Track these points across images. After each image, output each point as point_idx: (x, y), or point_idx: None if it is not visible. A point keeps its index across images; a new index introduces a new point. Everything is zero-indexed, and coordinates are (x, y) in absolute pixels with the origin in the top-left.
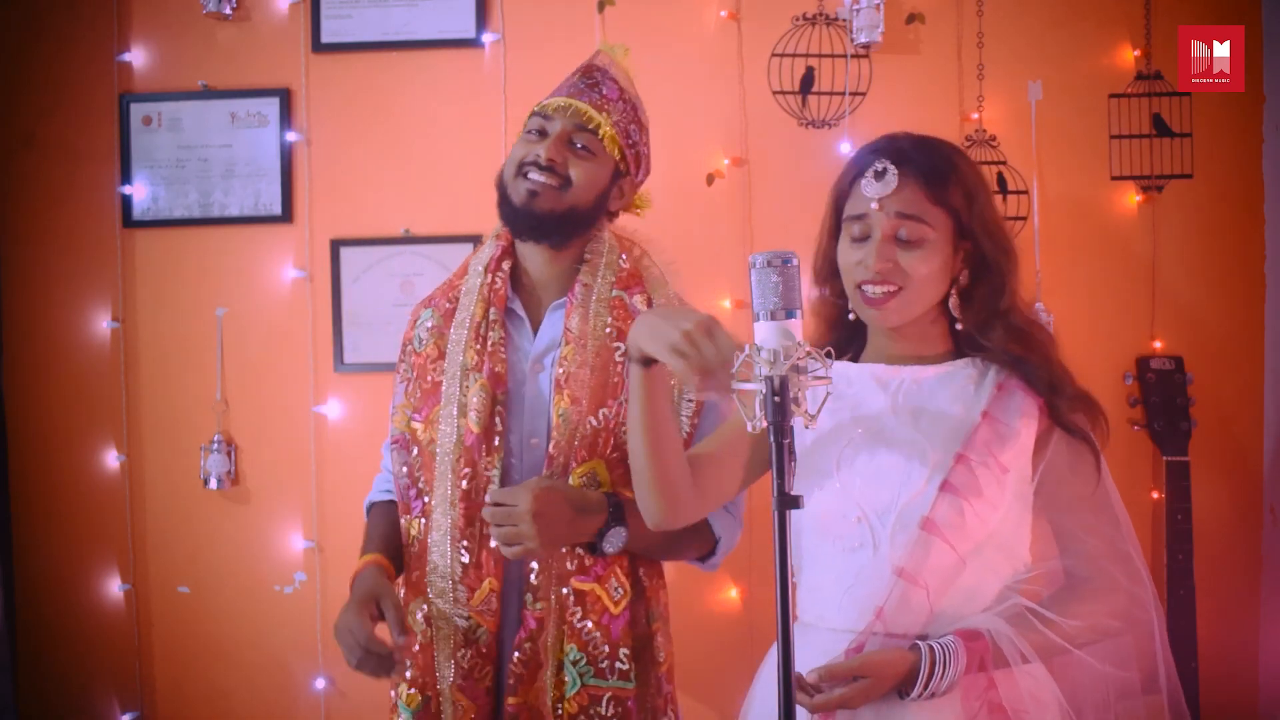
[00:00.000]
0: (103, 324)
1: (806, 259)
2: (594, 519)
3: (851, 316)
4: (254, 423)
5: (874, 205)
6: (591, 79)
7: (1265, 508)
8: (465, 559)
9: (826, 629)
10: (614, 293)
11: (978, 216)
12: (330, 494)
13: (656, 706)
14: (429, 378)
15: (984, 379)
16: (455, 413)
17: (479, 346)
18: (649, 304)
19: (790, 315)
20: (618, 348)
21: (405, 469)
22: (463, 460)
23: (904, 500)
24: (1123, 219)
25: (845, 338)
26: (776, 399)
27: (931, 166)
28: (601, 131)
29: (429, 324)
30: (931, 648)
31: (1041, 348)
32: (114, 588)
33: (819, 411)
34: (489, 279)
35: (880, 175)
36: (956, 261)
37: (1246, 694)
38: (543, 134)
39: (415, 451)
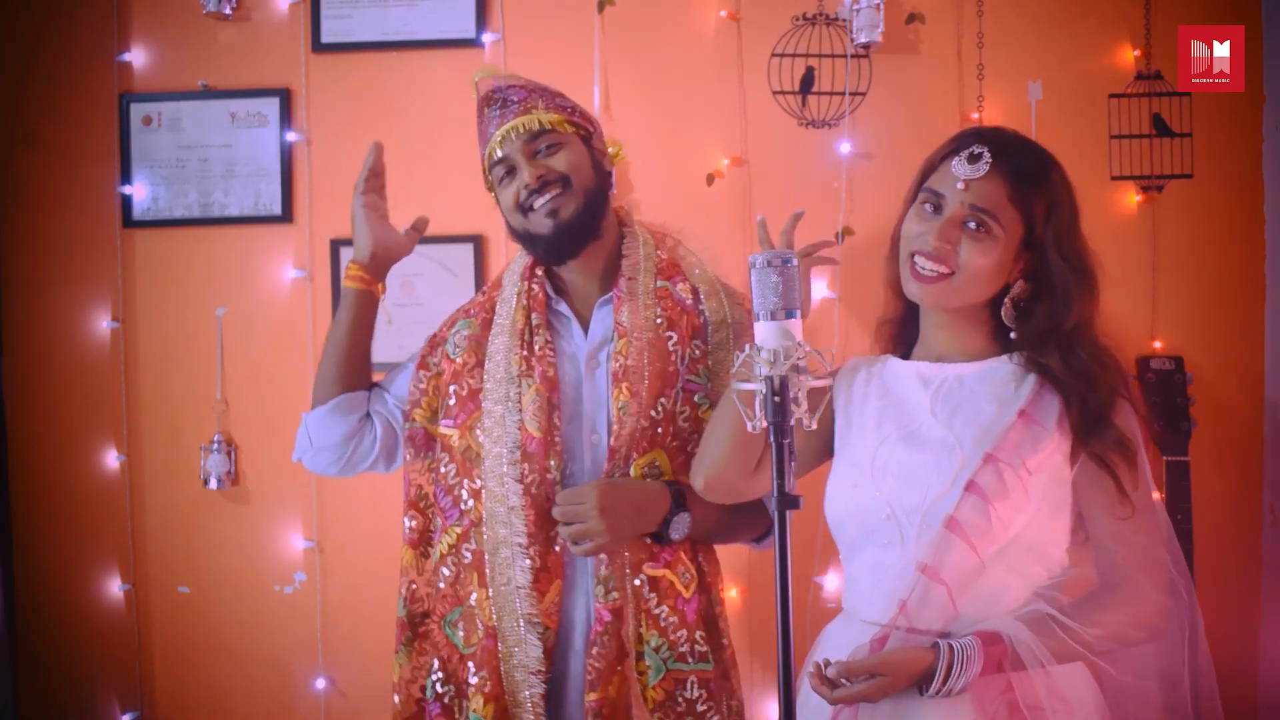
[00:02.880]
0: (103, 324)
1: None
2: (658, 508)
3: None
4: (254, 423)
5: (959, 185)
6: (498, 101)
7: (1265, 508)
8: (531, 564)
9: (860, 620)
10: (658, 283)
11: (1054, 230)
12: (330, 494)
13: (730, 688)
14: (465, 384)
15: (1026, 376)
16: (504, 420)
17: (525, 353)
18: (693, 292)
19: (790, 315)
20: (670, 337)
21: (432, 474)
22: (526, 466)
23: (930, 499)
24: (1123, 219)
25: (909, 315)
26: (776, 399)
27: (1026, 167)
28: (546, 122)
29: (465, 332)
30: (950, 647)
31: (1095, 383)
32: (114, 588)
33: (819, 411)
34: (525, 286)
35: (975, 159)
36: (1015, 269)
37: (1246, 694)
38: (512, 170)
39: (447, 458)
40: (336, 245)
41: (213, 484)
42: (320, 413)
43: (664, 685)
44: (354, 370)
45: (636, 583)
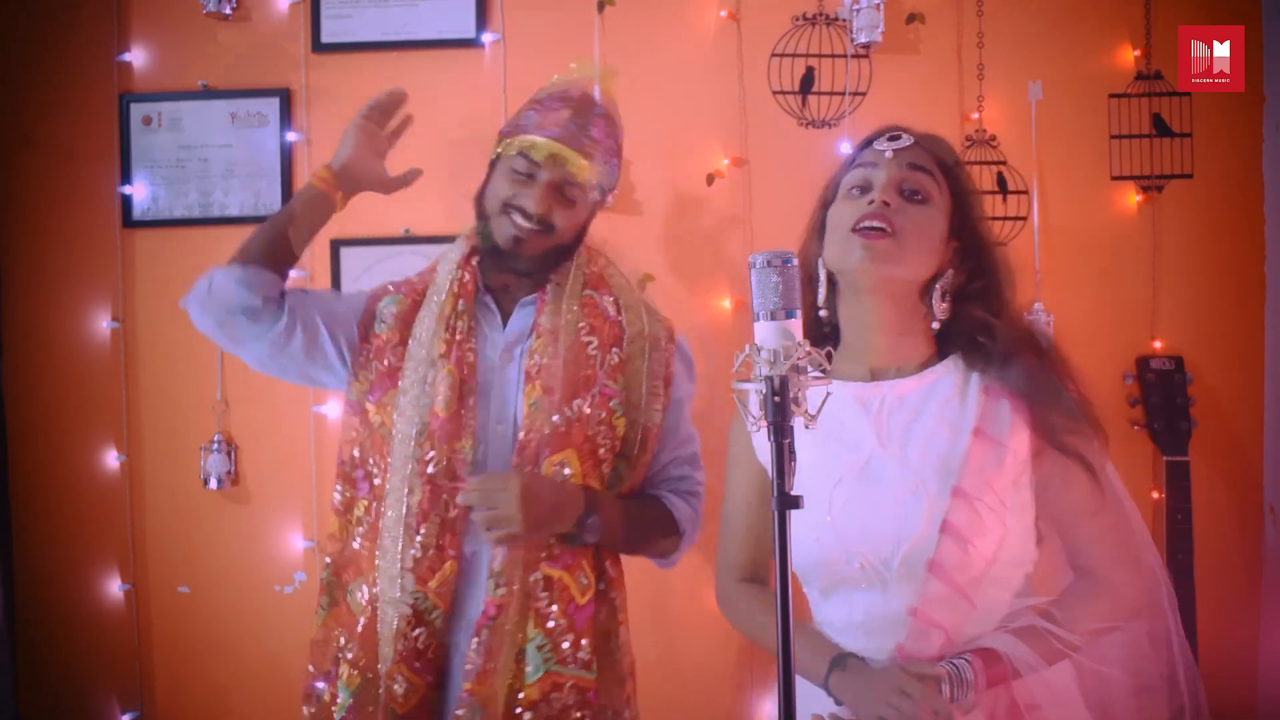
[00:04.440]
0: (103, 324)
1: None
2: (574, 509)
3: (824, 314)
4: (254, 423)
5: (887, 154)
6: (583, 119)
7: (1265, 508)
8: (420, 540)
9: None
10: (585, 291)
11: (975, 215)
12: (330, 494)
13: (616, 700)
14: (386, 361)
15: (968, 385)
16: (417, 400)
17: (448, 336)
18: (616, 306)
19: (790, 315)
20: (590, 342)
21: (355, 445)
22: (427, 444)
23: (905, 544)
24: (1123, 219)
25: (816, 341)
26: (776, 399)
27: (942, 148)
28: (585, 178)
29: (393, 309)
30: (953, 671)
31: (1043, 353)
32: (114, 588)
33: (819, 411)
34: (459, 274)
35: (896, 137)
36: (946, 252)
37: (1246, 694)
38: (530, 177)
39: (367, 432)
40: (336, 245)
41: (213, 484)
42: (230, 273)
43: (540, 686)
44: (280, 254)
45: (531, 579)
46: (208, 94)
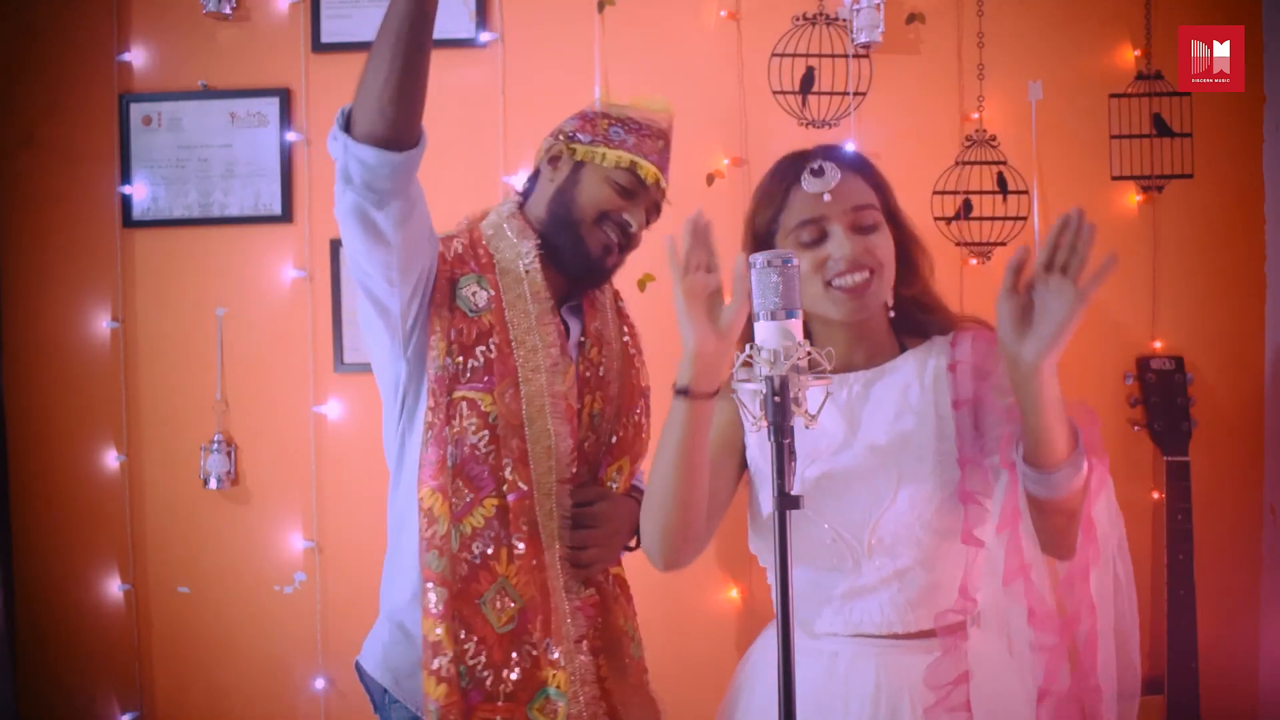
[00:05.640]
0: (103, 324)
1: None
2: (635, 521)
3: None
4: (254, 423)
5: (827, 197)
6: (667, 155)
7: (1265, 508)
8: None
9: (807, 633)
10: (619, 303)
11: (894, 200)
12: (330, 494)
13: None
14: (491, 346)
15: (925, 370)
16: (547, 392)
17: (556, 335)
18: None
19: (790, 315)
20: (634, 353)
21: (457, 434)
22: (572, 441)
23: (877, 519)
24: (1123, 219)
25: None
26: (777, 399)
27: (854, 157)
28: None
29: (486, 293)
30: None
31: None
32: (114, 588)
33: (819, 411)
34: (540, 269)
35: (819, 171)
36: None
37: (1246, 694)
38: (633, 194)
39: (476, 424)
40: (336, 245)
41: (213, 484)
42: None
43: (636, 670)
44: (418, 88)
45: (609, 581)
46: (208, 94)
